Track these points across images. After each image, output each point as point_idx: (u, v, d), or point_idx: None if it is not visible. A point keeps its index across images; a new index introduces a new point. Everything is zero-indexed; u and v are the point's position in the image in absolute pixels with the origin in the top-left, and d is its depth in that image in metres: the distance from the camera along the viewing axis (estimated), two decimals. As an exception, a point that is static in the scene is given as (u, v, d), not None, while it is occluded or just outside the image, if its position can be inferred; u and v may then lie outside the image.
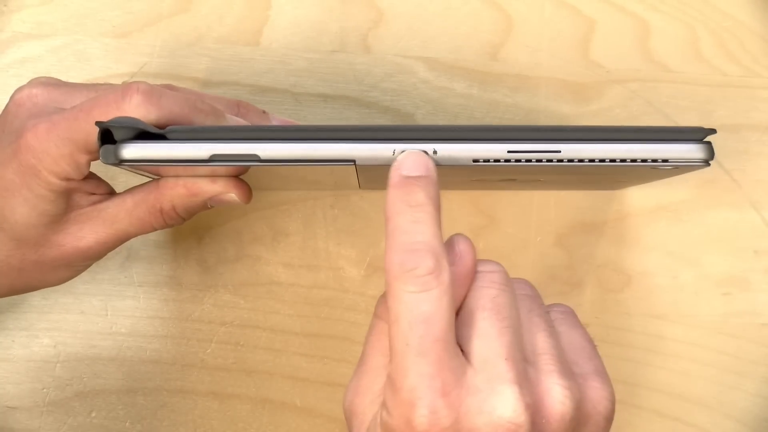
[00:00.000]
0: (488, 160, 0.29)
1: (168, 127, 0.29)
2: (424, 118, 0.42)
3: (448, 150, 0.29)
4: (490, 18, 0.43)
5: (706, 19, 0.43)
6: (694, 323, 0.42)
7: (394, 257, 0.26)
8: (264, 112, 0.36)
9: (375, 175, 0.34)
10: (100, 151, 0.29)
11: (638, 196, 0.42)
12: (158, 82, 0.42)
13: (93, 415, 0.42)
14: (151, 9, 0.43)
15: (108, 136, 0.29)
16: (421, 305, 0.25)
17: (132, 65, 0.43)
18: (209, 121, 0.31)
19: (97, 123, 0.28)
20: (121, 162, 0.29)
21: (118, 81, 0.42)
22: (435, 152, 0.29)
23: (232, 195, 0.33)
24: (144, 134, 0.29)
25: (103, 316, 0.42)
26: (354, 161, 0.29)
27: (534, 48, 0.43)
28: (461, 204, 0.42)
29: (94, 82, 0.42)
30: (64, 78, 0.42)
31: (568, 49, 0.43)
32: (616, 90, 0.43)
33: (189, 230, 0.42)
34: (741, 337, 0.42)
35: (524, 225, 0.42)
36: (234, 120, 0.33)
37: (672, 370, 0.42)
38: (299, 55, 0.43)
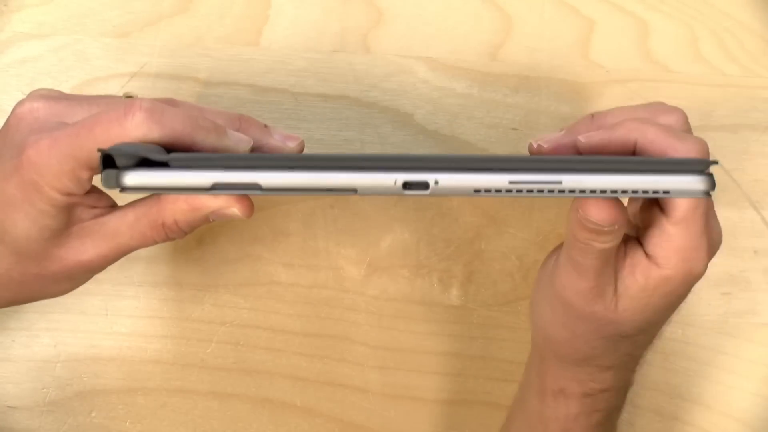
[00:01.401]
0: (489, 190, 0.29)
1: (170, 155, 0.29)
2: (423, 117, 0.43)
3: (450, 180, 0.29)
4: (490, 18, 0.43)
5: (705, 19, 0.43)
6: (694, 323, 0.42)
7: None
8: (266, 126, 0.36)
9: None
10: (102, 176, 0.29)
11: (638, 196, 0.42)
12: (158, 82, 0.42)
13: (93, 414, 0.42)
14: (151, 9, 0.43)
15: (110, 160, 0.29)
16: None
17: (132, 65, 0.43)
18: (211, 138, 0.31)
19: (99, 150, 0.29)
20: (123, 189, 0.29)
21: (118, 81, 0.42)
22: (437, 182, 0.29)
23: (234, 210, 0.33)
24: (146, 160, 0.29)
25: (103, 315, 0.42)
26: (356, 190, 0.29)
27: (534, 48, 0.43)
28: (461, 204, 0.43)
29: (95, 81, 0.43)
30: (64, 78, 0.42)
31: (568, 49, 0.43)
32: (616, 90, 0.43)
33: (189, 230, 0.42)
34: (740, 337, 0.42)
35: (525, 225, 0.42)
36: (236, 136, 0.33)
37: (672, 370, 0.42)
38: (299, 55, 0.43)
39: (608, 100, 0.43)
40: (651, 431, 0.42)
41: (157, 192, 0.29)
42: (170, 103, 0.33)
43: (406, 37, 0.43)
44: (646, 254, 0.32)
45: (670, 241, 0.31)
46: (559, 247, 0.35)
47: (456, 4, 0.43)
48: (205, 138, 0.31)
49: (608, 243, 0.31)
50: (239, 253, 0.42)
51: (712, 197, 0.30)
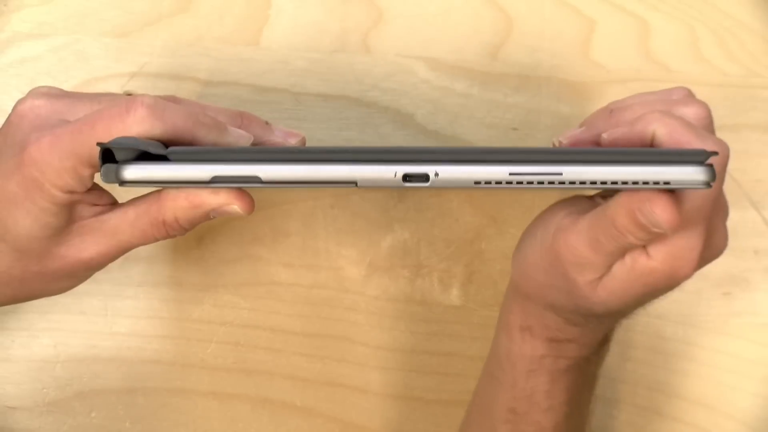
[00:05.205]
0: (489, 182, 0.29)
1: (170, 148, 0.29)
2: (424, 117, 0.42)
3: (450, 172, 0.29)
4: (490, 18, 0.43)
5: (706, 18, 0.43)
6: (695, 323, 0.42)
7: None
8: (267, 123, 0.36)
9: None
10: (101, 171, 0.29)
11: (638, 196, 0.42)
12: (158, 82, 0.42)
13: (93, 415, 0.42)
14: (151, 9, 0.43)
15: (110, 155, 0.29)
16: None
17: (132, 65, 0.43)
18: (212, 135, 0.32)
19: (99, 144, 0.29)
20: (122, 183, 0.29)
21: (118, 81, 0.42)
22: (437, 174, 0.29)
23: (235, 207, 0.33)
24: (146, 154, 0.29)
25: (103, 316, 0.42)
26: (356, 183, 0.29)
27: (534, 48, 0.43)
28: (461, 204, 0.43)
29: (95, 80, 0.42)
30: (64, 78, 0.42)
31: (568, 49, 0.43)
32: (617, 90, 0.43)
33: (189, 230, 0.42)
34: (741, 337, 0.42)
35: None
36: (237, 132, 0.33)
37: (672, 370, 0.42)
38: (299, 55, 0.43)
39: (609, 100, 0.42)
40: (651, 431, 0.42)
41: (156, 186, 0.29)
42: (172, 100, 0.33)
43: (407, 37, 0.43)
44: None
45: (664, 234, 0.30)
46: (576, 199, 0.34)
47: (456, 4, 0.43)
48: (207, 135, 0.31)
49: (643, 241, 0.30)
50: (239, 253, 0.42)
51: (727, 206, 0.30)
